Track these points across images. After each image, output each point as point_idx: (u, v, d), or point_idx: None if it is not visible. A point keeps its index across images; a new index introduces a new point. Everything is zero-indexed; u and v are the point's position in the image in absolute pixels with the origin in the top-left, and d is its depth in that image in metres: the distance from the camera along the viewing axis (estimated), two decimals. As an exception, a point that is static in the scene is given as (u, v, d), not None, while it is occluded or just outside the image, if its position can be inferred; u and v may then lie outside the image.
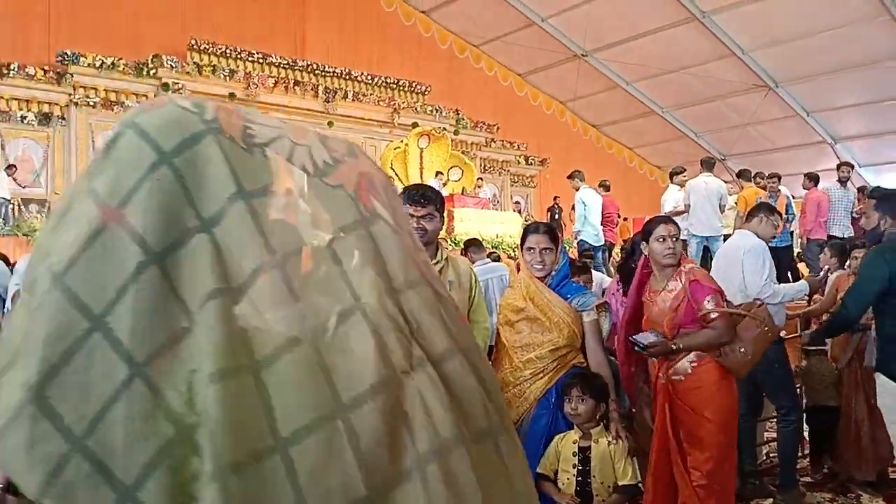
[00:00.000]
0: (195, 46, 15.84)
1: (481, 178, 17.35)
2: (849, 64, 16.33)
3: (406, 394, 0.82)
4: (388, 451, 0.77)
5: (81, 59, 14.06)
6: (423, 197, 2.68)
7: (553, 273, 2.90)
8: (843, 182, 8.81)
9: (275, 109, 16.59)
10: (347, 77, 17.96)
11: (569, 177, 9.56)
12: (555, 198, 17.35)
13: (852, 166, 9.54)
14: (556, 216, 17.22)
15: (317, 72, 17.56)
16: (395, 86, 18.75)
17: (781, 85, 18.30)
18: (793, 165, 17.99)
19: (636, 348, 2.91)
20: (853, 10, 14.62)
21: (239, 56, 16.40)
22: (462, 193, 15.07)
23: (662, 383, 2.94)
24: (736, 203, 8.25)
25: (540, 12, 18.35)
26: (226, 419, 0.70)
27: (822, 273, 4.04)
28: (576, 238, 9.62)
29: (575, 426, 2.78)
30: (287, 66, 17.14)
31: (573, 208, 9.60)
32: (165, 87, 14.81)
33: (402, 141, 15.80)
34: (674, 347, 2.86)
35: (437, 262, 2.72)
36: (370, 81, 18.35)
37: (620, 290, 3.51)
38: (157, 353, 0.70)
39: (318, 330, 0.80)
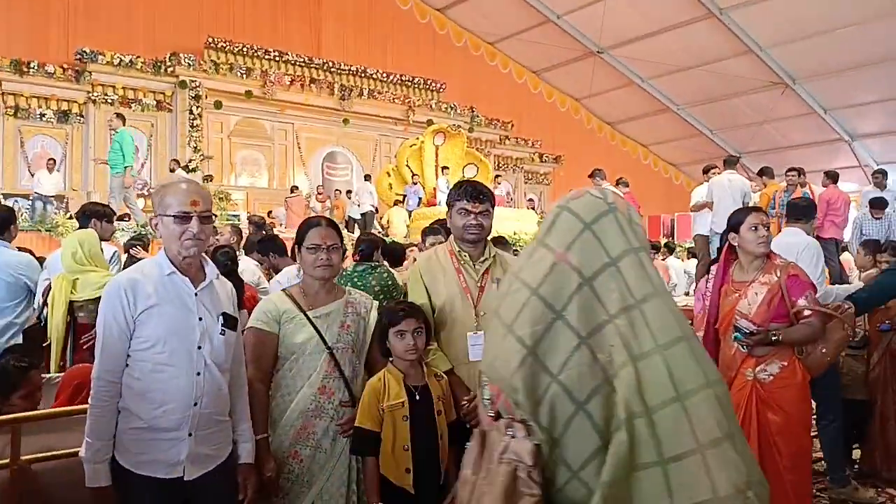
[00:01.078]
0: (212, 44, 15.92)
1: (499, 175, 17.33)
2: (867, 61, 16.19)
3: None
4: (717, 422, 1.21)
5: (100, 56, 14.15)
6: (481, 193, 2.67)
7: None
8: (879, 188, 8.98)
9: (291, 107, 16.69)
10: (363, 75, 18.01)
11: (590, 175, 9.51)
12: (571, 194, 17.27)
13: (886, 173, 9.58)
14: (572, 213, 17.13)
15: (332, 70, 17.61)
16: (410, 83, 18.78)
17: (798, 82, 18.18)
18: (810, 163, 17.72)
19: (737, 335, 2.87)
20: (871, 7, 14.50)
21: (255, 54, 16.47)
22: (479, 191, 14.98)
23: (748, 380, 2.91)
24: (759, 200, 8.20)
25: (555, 9, 18.32)
26: (631, 381, 1.20)
27: (875, 272, 3.98)
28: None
29: None
30: (303, 64, 17.21)
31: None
32: (183, 84, 14.89)
33: (417, 138, 15.78)
34: (774, 338, 2.83)
35: (486, 260, 2.72)
36: (385, 79, 18.39)
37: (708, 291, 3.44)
38: (592, 332, 1.22)
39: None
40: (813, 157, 19.05)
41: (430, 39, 19.73)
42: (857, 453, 4.49)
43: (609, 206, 1.31)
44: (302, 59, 17.18)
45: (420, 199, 14.55)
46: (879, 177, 9.42)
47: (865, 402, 4.29)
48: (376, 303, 2.72)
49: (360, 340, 2.59)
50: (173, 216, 2.11)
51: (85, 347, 3.67)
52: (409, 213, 13.89)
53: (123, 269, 4.27)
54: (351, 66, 17.88)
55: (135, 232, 8.78)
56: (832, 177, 8.36)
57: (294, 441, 2.43)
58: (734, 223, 3.05)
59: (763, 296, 2.90)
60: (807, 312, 2.83)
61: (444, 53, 19.81)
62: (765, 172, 8.81)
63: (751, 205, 8.26)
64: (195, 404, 2.10)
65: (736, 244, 3.04)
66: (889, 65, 16.12)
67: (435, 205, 14.24)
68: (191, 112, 14.92)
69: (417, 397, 2.44)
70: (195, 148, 14.85)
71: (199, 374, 2.11)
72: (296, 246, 2.64)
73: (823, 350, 2.82)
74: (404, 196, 14.54)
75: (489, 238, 2.76)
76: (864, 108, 18.50)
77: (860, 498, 3.82)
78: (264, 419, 2.43)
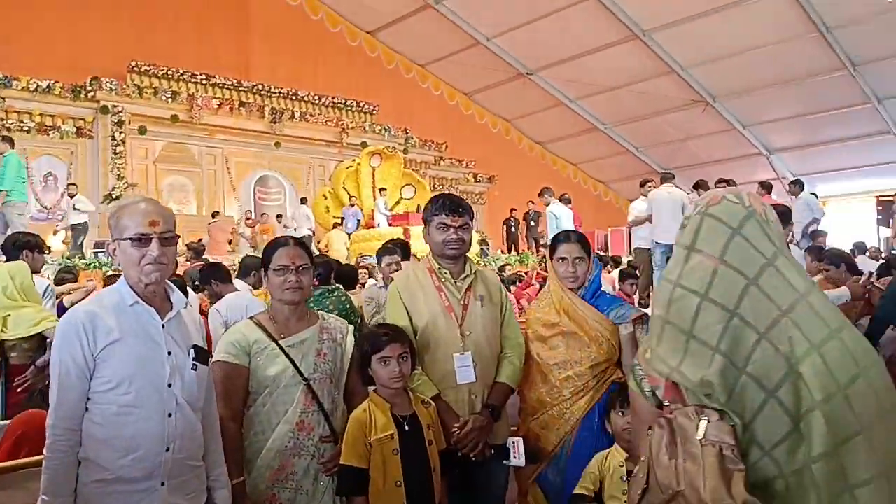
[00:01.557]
0: (135, 68, 15.34)
1: (436, 196, 17.29)
2: (781, 79, 17.10)
3: None
4: (887, 389, 1.31)
5: (14, 82, 13.40)
6: (460, 206, 2.56)
7: (586, 284, 2.73)
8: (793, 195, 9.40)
9: (220, 131, 16.23)
10: (294, 97, 17.72)
11: (539, 194, 9.63)
12: (511, 210, 17.45)
13: (801, 183, 10.06)
14: (513, 228, 17.32)
15: (262, 92, 17.25)
16: (342, 106, 18.61)
17: (718, 100, 19.00)
18: (731, 177, 18.59)
19: None
20: (785, 28, 15.33)
21: (181, 77, 15.96)
22: (417, 211, 14.94)
23: None
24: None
25: (485, 32, 18.57)
26: (820, 366, 1.27)
27: (863, 278, 4.05)
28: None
29: (617, 446, 2.55)
30: (231, 87, 16.79)
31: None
32: (104, 109, 14.25)
33: (353, 160, 15.62)
34: None
35: (467, 276, 2.60)
36: (317, 101, 18.15)
37: None
38: (769, 328, 1.31)
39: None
40: (734, 171, 19.81)
41: (362, 62, 19.65)
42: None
43: (748, 210, 1.38)
44: (230, 82, 16.77)
45: (359, 220, 14.35)
46: (793, 186, 9.89)
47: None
48: (352, 327, 2.56)
49: (337, 369, 2.40)
50: (130, 239, 1.89)
51: (19, 391, 3.33)
52: (349, 235, 13.67)
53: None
54: (281, 88, 17.57)
55: (59, 265, 8.26)
56: (766, 187, 8.68)
57: (272, 483, 2.23)
58: None
59: None
60: None
61: (376, 76, 19.75)
62: (700, 185, 9.08)
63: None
64: (167, 449, 1.87)
65: None
66: (801, 83, 17.06)
67: (374, 226, 14.09)
68: (113, 138, 14.27)
69: (406, 428, 2.27)
70: (118, 175, 14.20)
71: (170, 415, 1.89)
72: (262, 269, 2.45)
73: None
74: (342, 219, 14.31)
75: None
76: (779, 124, 19.49)
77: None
78: (239, 461, 2.21)
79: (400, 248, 4.64)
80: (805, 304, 1.32)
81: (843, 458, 1.26)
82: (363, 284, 6.63)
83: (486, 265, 11.88)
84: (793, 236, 8.58)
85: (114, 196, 13.35)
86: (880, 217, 14.78)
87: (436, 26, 18.56)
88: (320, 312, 2.54)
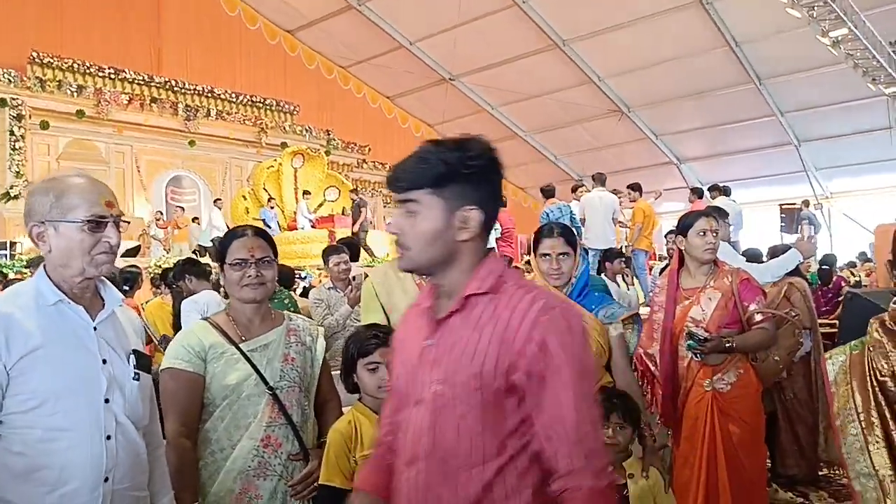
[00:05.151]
0: (37, 59, 14.26)
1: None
2: (692, 91, 17.80)
3: None
4: None
5: None
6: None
7: (572, 281, 2.57)
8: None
9: (129, 128, 15.35)
10: (210, 95, 16.97)
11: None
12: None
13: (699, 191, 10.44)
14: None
15: (175, 89, 16.42)
16: (261, 105, 17.98)
17: (633, 110, 19.60)
18: (645, 184, 19.20)
19: (690, 342, 2.72)
20: (697, 42, 15.98)
21: (88, 71, 14.96)
22: (342, 213, 14.63)
23: (707, 391, 2.78)
24: (633, 217, 8.58)
25: (408, 36, 18.43)
26: None
27: (805, 237, 4.09)
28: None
29: None
30: (142, 83, 15.89)
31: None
32: (2, 102, 13.16)
33: (275, 160, 15.12)
34: (728, 345, 2.71)
35: None
36: (234, 100, 17.46)
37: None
38: None
39: None
40: (647, 178, 20.40)
41: (282, 61, 19.09)
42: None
43: None
44: (141, 77, 15.85)
45: (278, 222, 13.86)
46: (691, 195, 10.12)
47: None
48: (322, 329, 2.31)
49: (307, 376, 2.14)
50: (82, 221, 1.57)
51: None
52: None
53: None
54: (196, 85, 16.78)
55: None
56: (697, 192, 8.94)
57: None
58: (683, 227, 2.96)
59: (717, 301, 2.81)
60: (758, 317, 2.78)
61: (297, 76, 19.24)
62: (634, 188, 9.23)
63: (620, 220, 8.65)
64: (106, 479, 1.55)
65: (683, 248, 2.97)
66: (709, 94, 17.82)
67: (295, 228, 13.68)
68: (12, 133, 13.17)
69: None
70: (17, 172, 13.12)
71: (109, 437, 1.57)
72: (219, 264, 2.17)
73: (776, 358, 2.81)
74: (262, 220, 13.80)
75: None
76: (688, 134, 20.29)
77: (781, 499, 3.93)
78: (193, 485, 1.94)
79: (348, 247, 4.43)
80: None
81: None
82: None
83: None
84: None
85: (12, 195, 12.33)
86: (783, 224, 15.52)
87: (358, 28, 18.25)
88: (286, 312, 2.27)
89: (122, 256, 11.04)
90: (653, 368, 2.96)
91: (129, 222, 1.72)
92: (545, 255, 2.57)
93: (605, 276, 5.89)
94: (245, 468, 1.97)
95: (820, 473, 4.44)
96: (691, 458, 2.75)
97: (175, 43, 17.20)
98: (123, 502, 1.61)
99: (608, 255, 6.91)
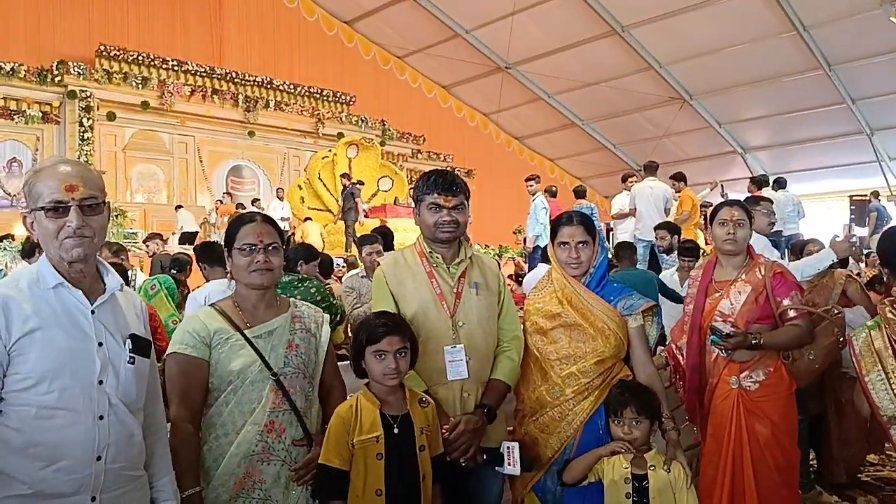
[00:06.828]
0: (104, 52, 14.84)
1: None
2: (757, 77, 17.10)
3: None
4: None
5: (-26, 64, 12.89)
6: (454, 185, 2.30)
7: (591, 271, 2.47)
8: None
9: (192, 119, 15.83)
10: (269, 86, 17.33)
11: (527, 179, 9.38)
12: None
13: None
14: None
15: (236, 80, 16.84)
16: (318, 95, 18.26)
17: (695, 98, 18.98)
18: (706, 174, 18.65)
19: (713, 337, 2.58)
20: (763, 26, 15.33)
21: (152, 63, 15.49)
22: (395, 203, 14.72)
23: (733, 389, 2.64)
24: (681, 204, 8.32)
25: (463, 24, 18.34)
26: None
27: (843, 236, 3.89)
28: (532, 243, 9.15)
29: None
30: (204, 74, 16.35)
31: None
32: (72, 94, 13.77)
33: (330, 150, 15.32)
34: (753, 342, 2.56)
35: (461, 262, 2.37)
36: (292, 91, 17.79)
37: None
38: None
39: None
40: (710, 169, 19.93)
41: (339, 52, 19.31)
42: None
43: None
44: (203, 69, 16.32)
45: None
46: (750, 184, 9.64)
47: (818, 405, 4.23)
48: (328, 316, 2.30)
49: (311, 363, 2.14)
50: (44, 209, 1.60)
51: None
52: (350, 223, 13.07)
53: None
54: (256, 76, 17.17)
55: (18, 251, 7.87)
56: (756, 182, 8.62)
57: (236, 494, 1.96)
58: (711, 217, 2.84)
59: (747, 295, 2.67)
60: (792, 314, 2.62)
61: (353, 66, 19.43)
62: (678, 178, 8.96)
63: (672, 210, 8.40)
64: (98, 458, 1.60)
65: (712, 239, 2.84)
66: (776, 82, 17.09)
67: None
68: (81, 124, 13.79)
69: (396, 430, 2.03)
70: (86, 162, 13.74)
71: (101, 417, 1.62)
72: (225, 250, 2.17)
73: (811, 356, 2.65)
74: (345, 204, 13.65)
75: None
76: (754, 123, 19.56)
77: (824, 502, 3.74)
78: (195, 469, 1.95)
79: (381, 236, 4.43)
80: None
81: None
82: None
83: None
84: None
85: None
86: (853, 217, 14.80)
87: (414, 17, 18.29)
88: (292, 299, 2.27)
89: (179, 243, 11.43)
90: (683, 362, 2.85)
91: (106, 203, 1.68)
92: (564, 243, 2.48)
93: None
94: (249, 453, 1.98)
95: (863, 479, 4.21)
96: (716, 457, 2.63)
97: (235, 35, 17.63)
98: (118, 481, 1.65)
99: (681, 250, 6.68)
